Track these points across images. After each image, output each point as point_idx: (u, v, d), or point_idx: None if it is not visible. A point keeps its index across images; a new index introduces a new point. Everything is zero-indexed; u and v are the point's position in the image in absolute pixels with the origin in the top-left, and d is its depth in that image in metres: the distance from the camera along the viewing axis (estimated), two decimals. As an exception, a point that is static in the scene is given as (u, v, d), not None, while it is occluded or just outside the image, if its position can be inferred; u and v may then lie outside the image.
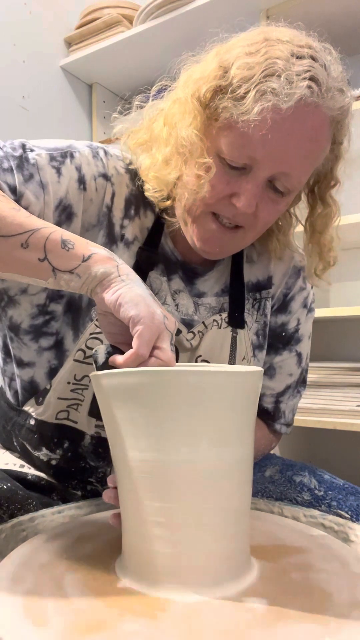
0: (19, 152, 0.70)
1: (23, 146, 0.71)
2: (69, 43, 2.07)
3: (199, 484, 0.49)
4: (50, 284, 0.60)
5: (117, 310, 0.56)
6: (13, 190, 0.68)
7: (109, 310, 0.57)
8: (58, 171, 0.72)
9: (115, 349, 0.58)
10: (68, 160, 0.73)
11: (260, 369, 0.55)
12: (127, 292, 0.56)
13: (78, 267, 0.58)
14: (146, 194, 0.77)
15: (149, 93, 0.80)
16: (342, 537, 0.64)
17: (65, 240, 0.59)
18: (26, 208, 0.67)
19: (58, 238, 0.59)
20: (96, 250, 0.59)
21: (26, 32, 1.89)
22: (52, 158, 0.72)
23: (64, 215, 0.73)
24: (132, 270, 0.60)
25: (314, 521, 0.68)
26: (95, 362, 0.58)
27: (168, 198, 0.76)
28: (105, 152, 0.78)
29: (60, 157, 0.73)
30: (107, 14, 1.96)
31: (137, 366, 0.54)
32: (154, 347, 0.55)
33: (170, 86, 0.78)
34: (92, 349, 0.74)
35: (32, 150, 0.71)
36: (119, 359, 0.55)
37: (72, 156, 0.74)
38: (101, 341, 0.74)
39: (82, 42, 2.02)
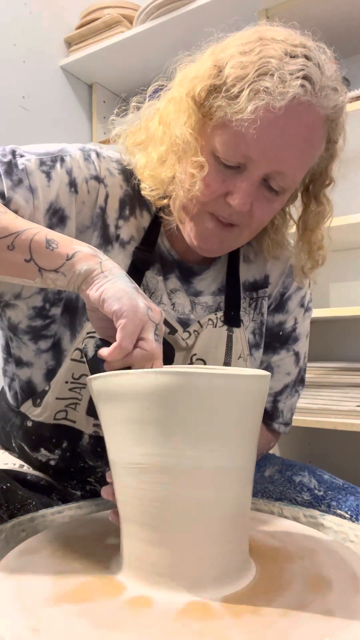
0: (7, 158, 0.71)
1: (13, 152, 0.72)
2: (69, 43, 2.07)
3: (199, 487, 0.49)
4: (38, 283, 0.61)
5: (102, 306, 0.57)
6: (2, 195, 0.69)
7: (95, 306, 0.58)
8: (48, 175, 0.72)
9: (105, 343, 0.58)
10: (58, 165, 0.74)
11: (268, 373, 0.55)
12: (110, 288, 0.57)
13: (63, 266, 0.59)
14: (142, 192, 0.77)
15: (146, 94, 0.80)
16: (342, 537, 0.64)
17: (49, 240, 0.60)
18: (16, 212, 0.68)
19: (42, 238, 0.60)
20: (80, 248, 0.60)
21: (26, 32, 1.89)
22: (41, 163, 0.73)
23: (56, 218, 0.73)
24: (116, 265, 0.60)
25: (314, 521, 0.67)
26: (85, 355, 0.59)
27: (164, 197, 0.76)
28: (98, 155, 0.79)
29: (51, 162, 0.73)
30: (107, 14, 1.96)
31: (123, 358, 0.55)
32: (139, 339, 0.56)
33: (166, 86, 0.78)
34: None
35: (21, 156, 0.72)
36: (104, 351, 0.56)
37: (62, 160, 0.74)
38: (98, 339, 0.75)
39: (82, 42, 2.02)
